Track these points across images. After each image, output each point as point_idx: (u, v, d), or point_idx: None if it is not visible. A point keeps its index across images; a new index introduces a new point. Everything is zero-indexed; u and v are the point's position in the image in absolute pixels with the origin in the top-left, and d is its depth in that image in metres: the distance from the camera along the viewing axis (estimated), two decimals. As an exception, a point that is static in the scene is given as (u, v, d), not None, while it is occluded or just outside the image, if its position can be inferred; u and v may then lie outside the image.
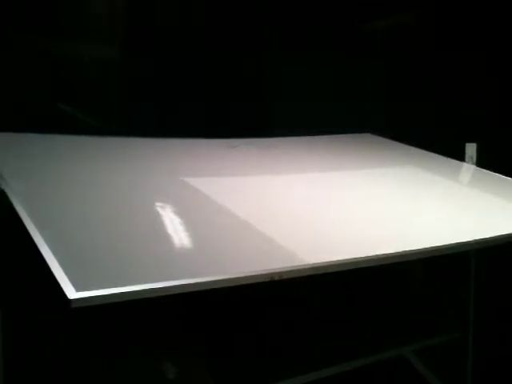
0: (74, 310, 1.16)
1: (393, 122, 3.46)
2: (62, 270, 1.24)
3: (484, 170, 2.56)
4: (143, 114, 3.00)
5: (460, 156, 2.63)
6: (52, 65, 2.81)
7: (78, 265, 1.31)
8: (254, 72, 3.37)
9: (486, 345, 2.67)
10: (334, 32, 3.53)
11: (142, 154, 2.40)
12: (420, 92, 3.41)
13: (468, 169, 2.63)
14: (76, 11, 2.90)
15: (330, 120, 3.36)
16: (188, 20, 3.14)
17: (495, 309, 2.75)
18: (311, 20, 3.47)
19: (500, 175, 2.48)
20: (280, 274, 1.42)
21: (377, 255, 1.58)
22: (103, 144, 2.50)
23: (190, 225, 1.75)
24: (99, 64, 2.99)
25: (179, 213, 1.82)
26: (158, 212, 1.82)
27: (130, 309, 1.28)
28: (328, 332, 2.56)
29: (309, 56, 3.49)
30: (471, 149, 2.59)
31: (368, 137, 3.13)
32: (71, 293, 1.16)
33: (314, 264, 1.49)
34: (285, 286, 1.48)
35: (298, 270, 1.48)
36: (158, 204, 1.88)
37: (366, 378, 2.50)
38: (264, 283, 1.39)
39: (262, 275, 1.41)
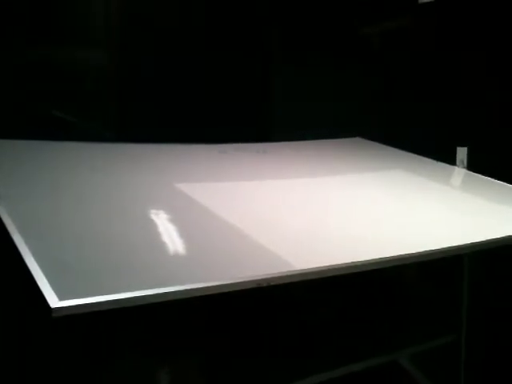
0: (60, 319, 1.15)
1: (384, 124, 3.46)
2: (45, 279, 1.23)
3: (475, 174, 2.56)
4: (140, 119, 3.00)
5: (451, 160, 2.64)
6: (49, 70, 2.81)
7: (62, 273, 1.30)
8: (250, 75, 3.38)
9: (480, 348, 2.66)
10: (332, 35, 3.54)
11: (131, 160, 2.39)
12: (412, 95, 3.41)
13: (459, 173, 2.64)
14: (74, 17, 2.91)
15: (322, 122, 3.36)
16: (188, 27, 3.15)
17: (489, 311, 2.75)
18: (310, 23, 3.48)
19: (491, 179, 2.48)
20: (268, 280, 1.42)
21: (369, 260, 1.58)
22: (95, 150, 2.50)
23: (179, 231, 1.74)
24: (96, 69, 2.99)
25: (169, 219, 1.82)
26: (145, 218, 1.81)
27: (123, 314, 1.27)
28: (319, 337, 2.54)
29: (304, 59, 3.50)
30: (462, 153, 2.60)
31: (358, 141, 3.13)
32: (54, 302, 1.15)
33: (302, 270, 1.48)
34: (276, 291, 1.48)
35: (287, 277, 1.47)
36: (145, 210, 1.87)
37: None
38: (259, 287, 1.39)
39: (249, 281, 1.40)
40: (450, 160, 2.66)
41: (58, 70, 2.84)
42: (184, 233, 1.73)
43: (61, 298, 1.16)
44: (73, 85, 2.90)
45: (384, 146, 2.95)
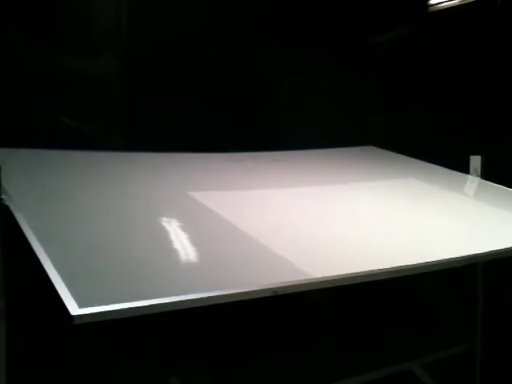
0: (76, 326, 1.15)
1: (397, 133, 3.46)
2: (65, 286, 1.23)
3: (489, 183, 2.55)
4: (146, 128, 3.01)
5: (465, 168, 2.63)
6: (54, 79, 2.82)
7: (81, 281, 1.30)
8: (257, 84, 3.38)
9: (495, 357, 2.64)
10: (337, 44, 3.55)
11: (145, 169, 2.40)
12: (425, 103, 3.42)
13: (473, 181, 2.63)
14: (78, 26, 2.92)
15: (334, 132, 3.36)
16: (192, 33, 3.16)
17: (504, 320, 2.73)
18: (313, 32, 3.49)
19: (505, 187, 2.47)
20: (284, 288, 1.42)
21: (382, 269, 1.57)
22: (106, 159, 2.51)
23: (193, 240, 1.74)
24: (101, 78, 3.00)
25: (182, 227, 1.82)
26: (161, 227, 1.82)
27: (135, 320, 1.27)
28: (334, 347, 2.54)
29: (310, 68, 3.51)
30: (476, 161, 2.58)
31: (372, 149, 3.12)
32: (74, 309, 1.16)
33: (317, 279, 1.48)
34: (287, 298, 1.48)
35: (303, 285, 1.47)
36: (161, 219, 1.88)
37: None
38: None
39: (265, 290, 1.40)
40: (464, 169, 2.65)
41: (66, 79, 2.85)
42: (200, 241, 1.73)
43: (81, 306, 1.17)
44: (81, 93, 2.91)
45: (398, 155, 2.94)
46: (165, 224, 1.85)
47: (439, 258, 1.70)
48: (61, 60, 2.87)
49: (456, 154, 2.79)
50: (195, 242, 1.73)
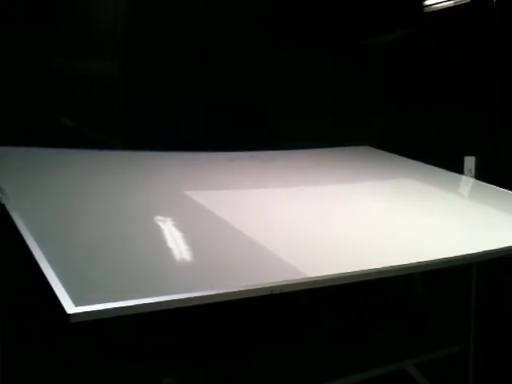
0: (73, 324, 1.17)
1: (397, 133, 3.47)
2: (61, 285, 1.24)
3: (483, 183, 2.56)
4: (146, 128, 3.02)
5: (459, 169, 2.64)
6: (54, 79, 2.83)
7: (77, 279, 1.32)
8: (257, 84, 3.39)
9: (487, 357, 2.65)
10: (336, 45, 3.56)
11: (143, 168, 2.41)
12: (424, 104, 3.43)
13: (467, 182, 2.64)
14: (78, 26, 2.93)
15: (333, 132, 3.37)
16: (188, 33, 3.17)
17: (497, 321, 2.74)
18: (313, 33, 3.50)
19: (499, 188, 2.48)
20: (280, 287, 1.43)
21: (377, 269, 1.59)
22: (104, 158, 2.51)
23: (189, 239, 1.75)
24: (101, 78, 3.01)
25: (179, 226, 1.83)
26: (158, 226, 1.83)
27: (131, 319, 1.28)
28: (328, 346, 2.55)
29: (310, 68, 3.52)
30: (470, 162, 2.60)
31: (367, 149, 3.13)
32: (70, 307, 1.17)
33: (313, 278, 1.49)
34: (284, 299, 1.48)
35: (298, 284, 1.48)
36: (158, 218, 1.89)
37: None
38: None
39: (262, 289, 1.41)
40: (458, 169, 2.66)
41: (66, 79, 2.86)
42: (197, 240, 1.74)
43: (77, 304, 1.18)
44: (81, 93, 2.92)
45: (394, 155, 2.95)
46: (162, 223, 1.86)
47: (434, 258, 1.70)
48: (61, 60, 2.88)
49: (454, 154, 2.80)
50: (192, 241, 1.73)
